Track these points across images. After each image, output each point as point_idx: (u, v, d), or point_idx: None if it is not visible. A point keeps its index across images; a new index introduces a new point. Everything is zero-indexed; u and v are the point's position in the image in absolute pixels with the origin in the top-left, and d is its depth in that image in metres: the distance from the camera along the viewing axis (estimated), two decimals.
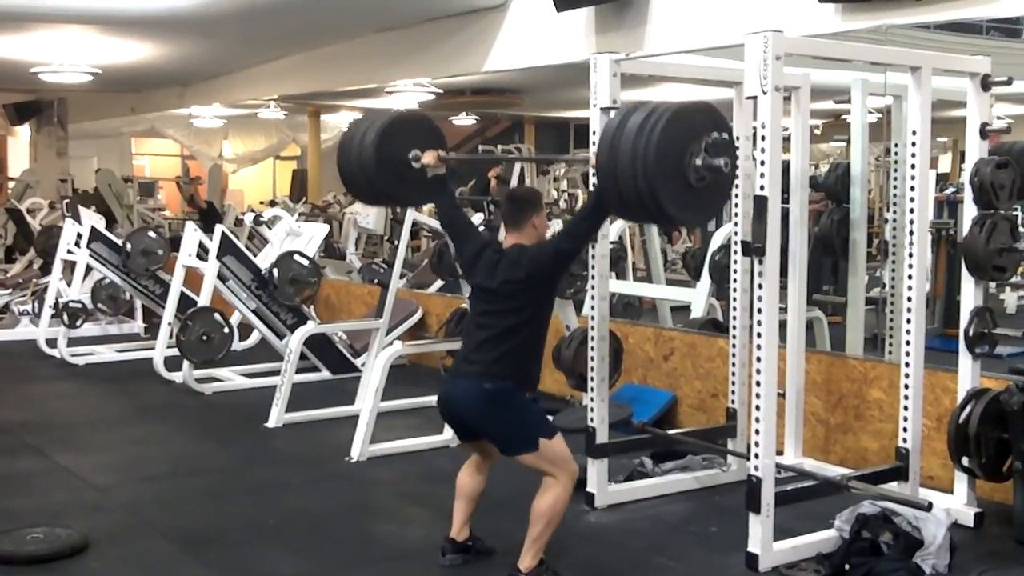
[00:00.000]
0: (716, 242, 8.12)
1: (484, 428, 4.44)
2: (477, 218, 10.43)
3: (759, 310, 4.55)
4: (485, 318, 4.48)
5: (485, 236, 4.86)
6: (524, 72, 10.14)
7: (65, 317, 9.81)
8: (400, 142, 4.99)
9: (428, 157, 4.89)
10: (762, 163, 4.48)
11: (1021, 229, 6.57)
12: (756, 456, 4.55)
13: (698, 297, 8.30)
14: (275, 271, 8.35)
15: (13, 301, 11.37)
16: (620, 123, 4.04)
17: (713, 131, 4.02)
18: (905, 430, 5.13)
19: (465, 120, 17.77)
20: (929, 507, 4.52)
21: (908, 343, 5.11)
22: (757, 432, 4.56)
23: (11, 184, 16.08)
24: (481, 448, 4.59)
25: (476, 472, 4.63)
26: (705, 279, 8.19)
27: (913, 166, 5.10)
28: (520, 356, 4.39)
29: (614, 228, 9.14)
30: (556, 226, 10.72)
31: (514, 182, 7.08)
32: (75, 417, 7.74)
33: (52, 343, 9.88)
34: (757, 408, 4.57)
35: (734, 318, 5.82)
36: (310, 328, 7.95)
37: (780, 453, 5.46)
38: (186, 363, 8.25)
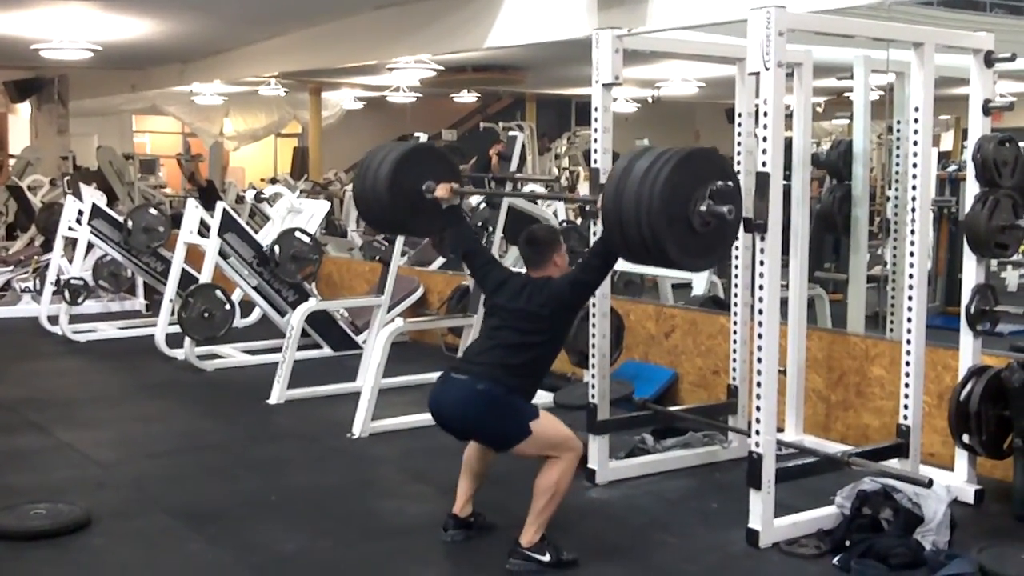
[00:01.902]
0: None
1: (473, 430, 4.48)
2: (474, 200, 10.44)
3: (760, 287, 4.55)
4: (496, 332, 4.54)
5: (508, 268, 4.93)
6: (526, 48, 10.14)
7: (67, 294, 9.81)
8: (414, 174, 5.08)
9: (441, 191, 4.98)
10: (764, 140, 4.47)
11: None
12: (757, 433, 4.56)
13: (699, 274, 8.29)
14: (276, 248, 8.35)
15: (15, 278, 11.37)
16: (626, 168, 4.08)
17: (719, 179, 4.05)
18: (906, 407, 5.13)
19: (466, 97, 17.75)
20: (929, 484, 4.53)
21: (909, 320, 5.10)
22: (758, 409, 4.57)
23: (12, 161, 16.04)
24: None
25: (484, 451, 4.64)
26: None
27: (916, 143, 5.09)
28: (525, 370, 4.44)
29: None
30: (557, 204, 10.75)
31: (515, 159, 7.04)
32: (77, 394, 7.75)
33: (54, 320, 9.88)
34: (758, 385, 4.57)
35: (735, 295, 5.82)
36: (312, 305, 7.96)
37: (781, 430, 5.47)
38: (188, 340, 8.25)
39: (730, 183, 4.08)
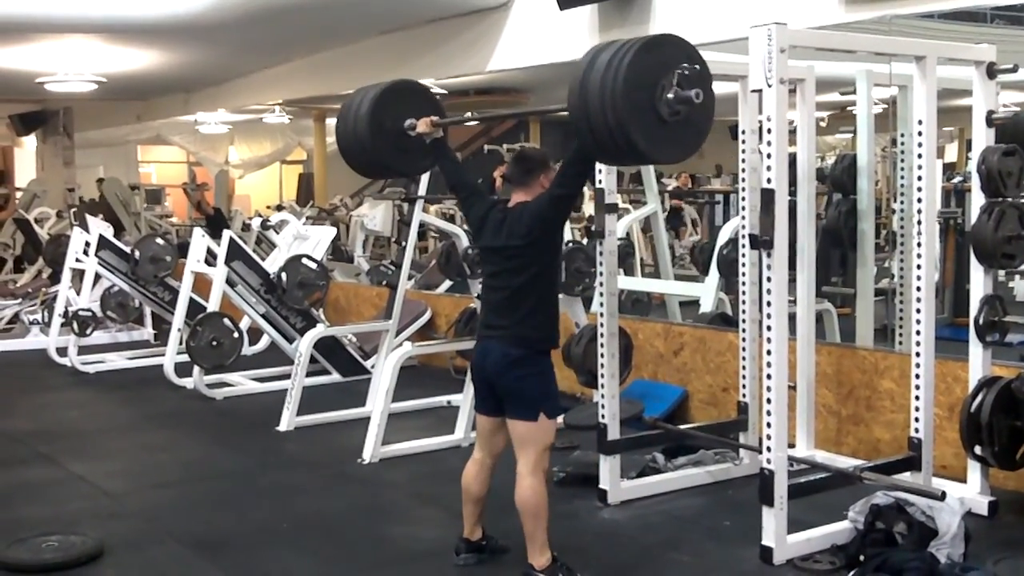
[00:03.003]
0: (724, 236, 8.11)
1: (504, 386, 4.42)
2: None
3: (768, 303, 4.55)
4: (494, 280, 4.50)
5: (493, 197, 4.80)
6: (528, 71, 10.15)
7: (75, 325, 9.82)
8: (395, 112, 4.91)
9: (422, 125, 4.83)
10: (768, 156, 4.48)
11: None
12: (768, 449, 4.55)
13: (707, 291, 8.29)
14: (283, 275, 8.36)
15: (23, 311, 11.39)
16: (591, 60, 3.95)
17: (685, 63, 3.91)
18: (917, 420, 5.12)
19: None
20: (943, 496, 4.52)
21: (918, 332, 5.09)
22: (769, 425, 4.56)
23: (18, 194, 16.10)
24: (492, 435, 4.57)
25: (479, 472, 4.63)
26: (713, 273, 8.18)
27: (920, 156, 5.09)
28: (536, 318, 4.39)
29: (621, 224, 9.16)
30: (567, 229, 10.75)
31: None
32: (87, 425, 7.75)
33: (63, 352, 9.89)
34: (768, 401, 4.57)
35: (743, 312, 5.81)
36: (320, 331, 7.96)
37: (792, 446, 5.45)
38: (196, 369, 8.26)
39: (697, 66, 3.94)
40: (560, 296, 7.18)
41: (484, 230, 4.53)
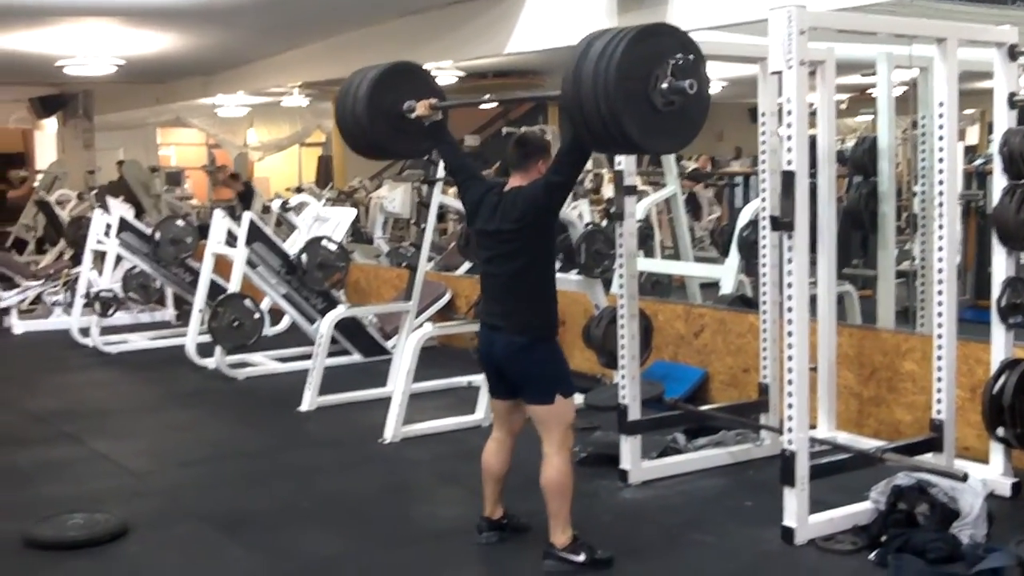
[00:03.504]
0: (744, 218, 8.11)
1: (515, 374, 4.46)
2: None
3: (789, 285, 4.55)
4: (490, 266, 4.52)
5: (490, 180, 4.78)
6: (546, 53, 10.12)
7: (97, 306, 9.88)
8: (394, 94, 4.90)
9: (421, 108, 4.80)
10: (789, 138, 4.47)
11: None
12: (790, 430, 4.56)
13: (727, 273, 8.29)
14: (304, 257, 8.39)
15: (45, 292, 11.45)
16: (584, 49, 3.93)
17: (679, 52, 3.88)
18: (939, 401, 5.12)
19: (488, 102, 17.77)
20: (965, 478, 4.52)
21: (940, 314, 5.09)
22: (790, 406, 4.56)
23: (39, 176, 16.16)
24: (509, 414, 4.61)
25: (498, 451, 4.66)
26: (734, 255, 8.17)
27: (941, 138, 5.07)
28: (534, 305, 4.42)
29: (641, 206, 9.15)
30: (583, 206, 10.74)
31: None
32: (110, 404, 7.81)
33: (85, 332, 9.96)
34: (790, 382, 4.57)
35: (764, 293, 5.81)
36: (340, 312, 7.99)
37: (813, 427, 5.46)
38: (218, 349, 8.30)
39: (691, 56, 3.90)
40: (579, 278, 7.23)
41: (479, 214, 4.53)
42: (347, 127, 5.07)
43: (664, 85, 3.84)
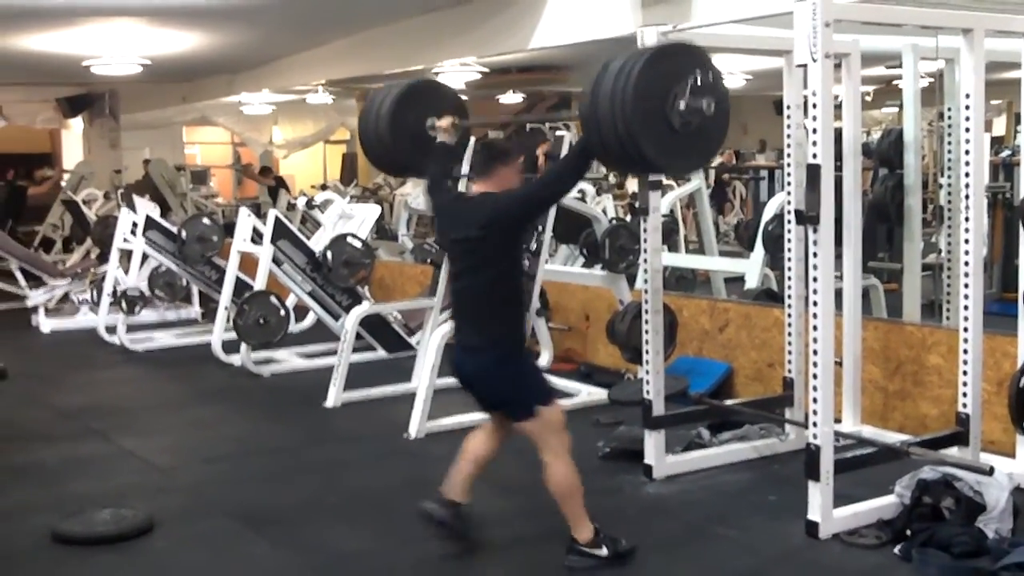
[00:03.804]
0: (769, 212, 8.08)
1: (491, 394, 4.45)
2: None
3: (815, 279, 4.53)
4: (456, 281, 4.50)
5: (456, 191, 4.74)
6: (570, 48, 10.12)
7: (123, 304, 9.95)
8: (417, 111, 4.89)
9: (443, 122, 4.78)
10: (814, 131, 4.45)
11: None
12: (814, 424, 4.54)
13: (752, 268, 8.27)
14: (329, 254, 8.41)
15: (72, 291, 11.53)
16: (604, 67, 3.92)
17: (698, 71, 3.86)
18: (965, 395, 5.09)
19: (512, 98, 17.77)
20: (991, 471, 4.49)
21: (966, 307, 5.06)
22: (815, 400, 4.55)
23: (66, 176, 16.26)
24: (502, 419, 4.57)
25: (488, 437, 4.60)
26: (758, 249, 8.15)
27: (968, 129, 5.04)
28: (501, 326, 4.35)
29: (665, 201, 9.13)
30: (607, 201, 10.73)
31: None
32: (137, 402, 7.86)
33: (112, 330, 10.02)
34: (814, 376, 4.56)
35: (789, 288, 5.79)
36: (365, 308, 8.01)
37: (838, 421, 5.44)
38: (244, 346, 8.34)
39: (710, 75, 3.88)
40: (604, 274, 7.23)
41: (443, 219, 4.53)
42: (371, 145, 5.09)
43: (682, 105, 3.83)
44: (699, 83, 3.84)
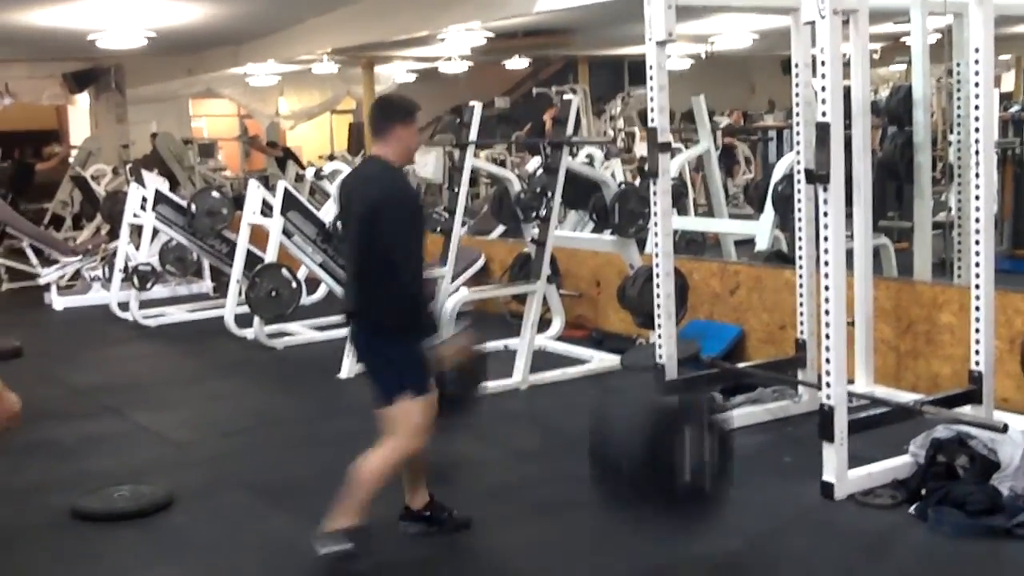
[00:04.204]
0: (778, 173, 8.04)
1: (368, 370, 4.31)
2: (536, 161, 10.42)
3: (825, 239, 4.52)
4: (346, 252, 4.42)
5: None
6: (575, 11, 10.06)
7: (135, 280, 9.97)
8: None
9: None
10: (823, 89, 4.43)
11: None
12: (827, 385, 4.55)
13: (762, 229, 8.24)
14: (339, 224, 8.40)
15: (84, 267, 11.56)
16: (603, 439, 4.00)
17: (702, 433, 3.89)
18: (977, 352, 5.08)
19: (518, 63, 17.69)
20: (1005, 429, 4.50)
21: (977, 265, 5.04)
22: (827, 361, 4.55)
23: (73, 152, 16.25)
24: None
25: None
26: (768, 211, 8.12)
27: (977, 84, 5.01)
28: (382, 303, 4.11)
29: (674, 164, 9.09)
30: (615, 165, 10.70)
31: (571, 123, 7.06)
32: (151, 377, 7.89)
33: (124, 306, 10.05)
34: (827, 337, 4.56)
35: (800, 248, 5.78)
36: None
37: (851, 382, 5.44)
38: (256, 319, 8.36)
39: (713, 431, 3.92)
40: (613, 239, 7.21)
41: (341, 191, 4.45)
42: None
43: (687, 468, 3.86)
44: (702, 441, 3.87)
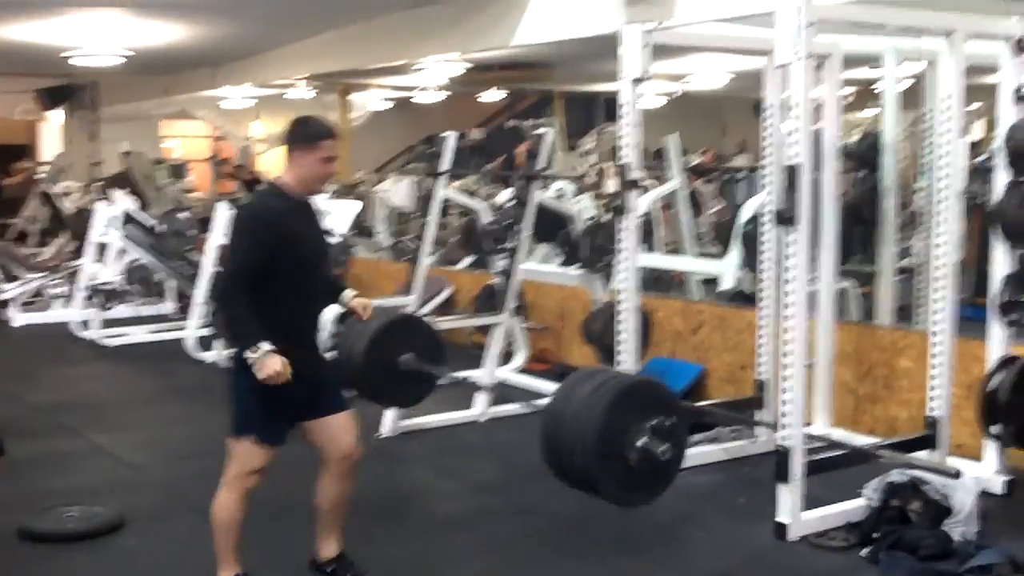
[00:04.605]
0: (747, 212, 8.07)
1: None
2: (507, 193, 10.43)
3: (787, 281, 4.54)
4: None
5: None
6: (553, 46, 10.11)
7: (97, 299, 9.87)
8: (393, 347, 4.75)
9: None
10: (794, 131, 4.46)
11: None
12: (784, 427, 4.55)
13: (727, 269, 8.25)
14: None
15: (47, 284, 11.44)
16: (564, 397, 3.80)
17: (661, 415, 3.68)
18: (933, 399, 5.10)
19: (494, 95, 17.77)
20: (958, 475, 4.50)
21: (936, 311, 5.07)
22: (785, 403, 4.56)
23: (43, 168, 16.17)
24: (308, 437, 4.27)
25: (321, 475, 4.36)
26: (734, 250, 8.13)
27: (948, 130, 5.05)
28: (228, 328, 4.04)
29: (644, 201, 9.11)
30: (584, 201, 10.73)
31: (543, 156, 7.08)
32: (109, 397, 7.82)
33: (85, 325, 9.96)
34: (785, 379, 4.56)
35: (762, 289, 5.80)
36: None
37: (809, 424, 5.45)
38: (218, 343, 8.30)
39: (673, 420, 3.70)
40: (579, 272, 7.21)
41: None
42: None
43: (639, 443, 3.67)
44: (660, 427, 3.69)
